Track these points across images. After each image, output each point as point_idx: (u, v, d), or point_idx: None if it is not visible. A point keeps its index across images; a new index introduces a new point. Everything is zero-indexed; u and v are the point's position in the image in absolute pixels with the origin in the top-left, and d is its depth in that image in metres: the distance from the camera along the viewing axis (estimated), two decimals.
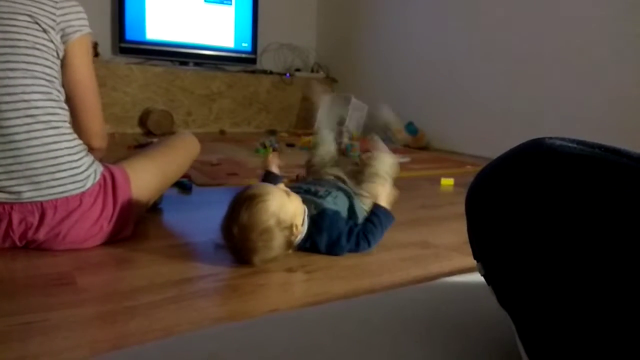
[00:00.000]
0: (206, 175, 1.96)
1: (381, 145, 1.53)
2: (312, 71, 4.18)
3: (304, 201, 1.14)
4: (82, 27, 1.13)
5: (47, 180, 1.06)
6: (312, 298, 0.95)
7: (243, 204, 1.04)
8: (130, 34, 3.42)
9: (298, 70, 4.11)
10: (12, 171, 1.04)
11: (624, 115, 2.27)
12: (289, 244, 1.09)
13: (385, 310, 0.72)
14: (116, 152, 1.45)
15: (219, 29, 3.70)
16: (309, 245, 1.16)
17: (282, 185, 1.14)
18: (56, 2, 1.09)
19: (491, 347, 0.61)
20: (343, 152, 2.62)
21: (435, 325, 0.66)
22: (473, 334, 0.64)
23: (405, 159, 2.67)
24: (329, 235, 1.15)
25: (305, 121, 3.88)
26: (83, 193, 1.11)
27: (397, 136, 3.24)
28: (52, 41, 1.08)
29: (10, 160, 1.04)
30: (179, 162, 1.41)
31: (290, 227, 1.07)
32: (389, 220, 1.25)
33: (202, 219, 1.43)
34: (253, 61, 3.87)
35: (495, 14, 2.85)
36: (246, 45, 3.82)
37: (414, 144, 3.23)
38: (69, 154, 1.09)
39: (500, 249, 0.47)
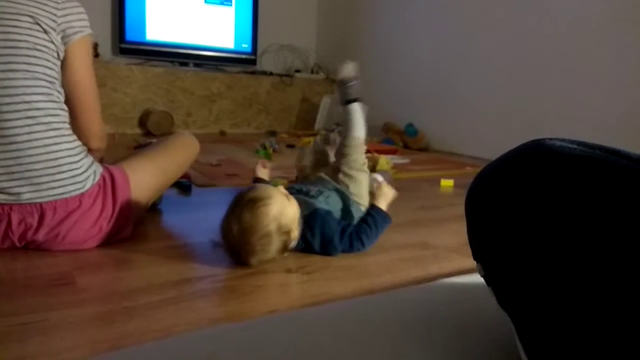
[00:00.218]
0: (206, 175, 1.96)
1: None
2: (312, 72, 4.18)
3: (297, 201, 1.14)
4: (83, 28, 1.13)
5: (47, 182, 1.06)
6: (311, 299, 0.95)
7: (245, 207, 1.03)
8: (130, 35, 3.42)
9: (298, 71, 4.11)
10: (13, 172, 1.04)
11: (624, 115, 2.27)
12: (285, 248, 1.09)
13: (384, 311, 0.72)
14: (116, 153, 1.45)
15: (219, 30, 3.70)
16: (304, 245, 1.15)
17: (281, 188, 1.13)
18: (57, 3, 1.09)
19: (491, 348, 0.60)
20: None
21: (435, 326, 0.66)
22: (473, 335, 0.64)
23: (405, 160, 2.67)
24: (322, 235, 1.15)
25: (305, 122, 3.88)
26: (82, 194, 1.10)
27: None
28: (52, 42, 1.08)
29: (10, 162, 1.04)
30: (179, 162, 1.41)
31: (288, 232, 1.07)
32: (385, 222, 1.24)
33: (202, 219, 1.43)
34: (253, 62, 3.87)
35: (495, 14, 2.85)
36: (246, 46, 3.82)
37: (414, 145, 3.24)
38: (69, 156, 1.09)
39: (500, 249, 0.47)
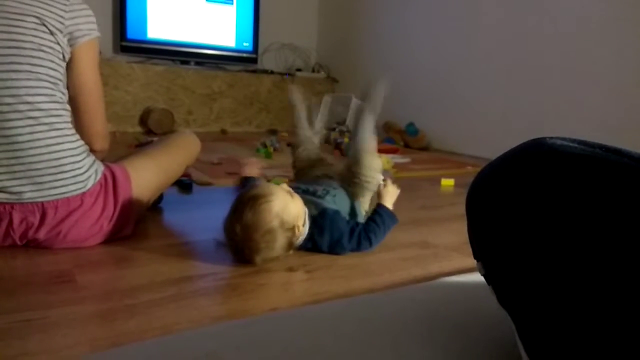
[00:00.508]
0: (206, 174, 1.96)
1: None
2: (313, 71, 4.18)
3: (304, 201, 1.14)
4: (91, 31, 1.13)
5: (49, 181, 1.06)
6: (312, 297, 0.95)
7: (247, 204, 1.03)
8: (131, 33, 3.42)
9: (299, 70, 4.11)
10: (15, 171, 1.04)
11: (624, 115, 2.27)
12: (290, 245, 1.09)
13: (385, 310, 0.72)
14: (117, 151, 1.45)
15: (220, 29, 3.71)
16: (311, 245, 1.16)
17: (285, 186, 1.13)
18: (65, 5, 1.08)
19: (491, 346, 0.61)
20: (342, 152, 2.62)
21: (436, 325, 0.66)
22: (473, 333, 0.64)
23: (406, 160, 2.67)
24: (331, 236, 1.15)
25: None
26: (84, 193, 1.10)
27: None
28: (58, 43, 1.07)
29: (13, 161, 1.04)
30: (180, 160, 1.41)
31: (292, 229, 1.06)
32: (392, 221, 1.25)
33: (202, 218, 1.43)
34: (254, 61, 3.87)
35: (495, 14, 2.85)
36: (247, 44, 3.82)
37: (415, 145, 3.24)
38: (72, 155, 1.09)
39: (500, 248, 0.47)
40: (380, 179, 1.33)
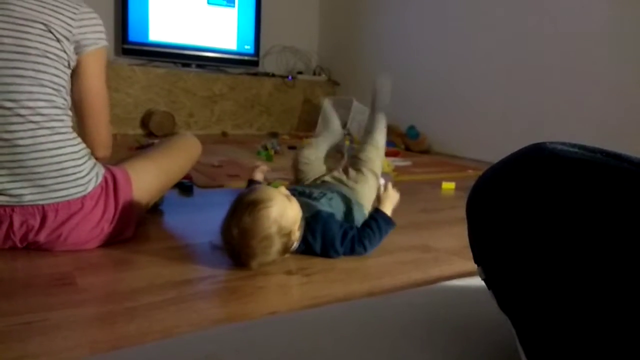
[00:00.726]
0: (207, 176, 1.97)
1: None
2: (314, 74, 4.19)
3: (299, 204, 1.13)
4: (99, 40, 1.13)
5: (50, 184, 1.06)
6: (311, 301, 0.95)
7: (246, 209, 1.03)
8: (133, 36, 3.43)
9: (300, 73, 4.12)
10: (16, 174, 1.04)
11: (624, 115, 2.27)
12: (286, 249, 1.08)
13: (385, 314, 0.72)
14: (118, 154, 1.45)
15: (221, 31, 3.71)
16: (304, 247, 1.15)
17: (283, 189, 1.13)
18: (75, 13, 1.08)
19: (491, 351, 0.60)
20: (343, 155, 2.62)
21: (435, 329, 0.66)
22: (473, 337, 0.64)
23: (407, 163, 2.67)
24: (323, 238, 1.14)
25: (307, 124, 3.88)
26: (85, 196, 1.11)
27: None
28: (64, 51, 1.08)
29: (14, 164, 1.04)
30: (180, 163, 1.41)
31: (289, 234, 1.06)
32: (388, 227, 1.23)
33: (203, 220, 1.43)
34: (255, 63, 3.88)
35: (495, 16, 2.85)
36: (249, 47, 3.82)
37: (416, 148, 3.24)
38: (73, 159, 1.09)
39: (501, 253, 0.47)
40: (380, 166, 1.39)
